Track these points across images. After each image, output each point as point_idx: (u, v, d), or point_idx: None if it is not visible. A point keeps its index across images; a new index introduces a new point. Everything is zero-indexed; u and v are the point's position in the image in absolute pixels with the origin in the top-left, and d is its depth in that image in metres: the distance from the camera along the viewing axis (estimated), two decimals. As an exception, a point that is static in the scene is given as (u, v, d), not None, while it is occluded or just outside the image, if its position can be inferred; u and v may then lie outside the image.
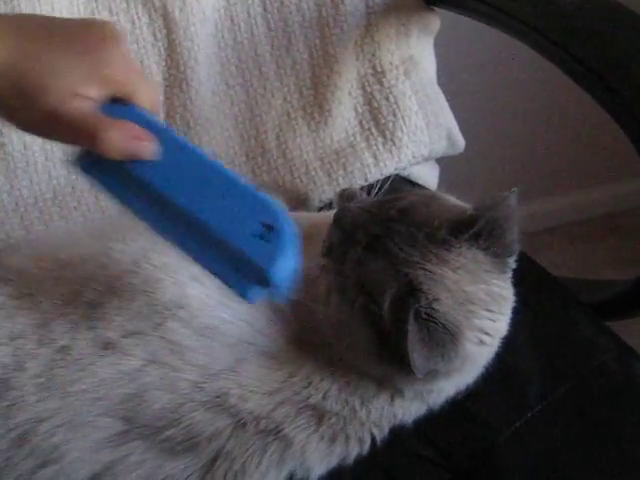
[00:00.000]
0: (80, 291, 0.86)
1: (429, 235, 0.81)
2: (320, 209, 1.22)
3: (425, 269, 0.79)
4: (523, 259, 0.89)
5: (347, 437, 0.87)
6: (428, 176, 1.38)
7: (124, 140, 0.73)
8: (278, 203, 0.74)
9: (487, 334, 0.83)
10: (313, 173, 1.24)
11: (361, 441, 0.88)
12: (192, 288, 0.88)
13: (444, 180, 1.43)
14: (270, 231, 0.71)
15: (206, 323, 0.86)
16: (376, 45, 1.27)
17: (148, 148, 0.74)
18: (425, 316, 0.77)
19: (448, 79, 1.38)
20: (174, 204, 0.74)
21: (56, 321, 0.84)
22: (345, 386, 0.86)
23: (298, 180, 1.24)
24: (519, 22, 1.10)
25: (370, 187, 1.17)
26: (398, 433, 0.90)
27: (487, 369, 0.88)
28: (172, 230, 0.75)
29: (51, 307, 0.85)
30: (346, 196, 1.15)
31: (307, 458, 0.86)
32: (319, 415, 0.86)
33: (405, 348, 0.75)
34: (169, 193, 0.74)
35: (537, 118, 2.02)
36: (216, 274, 0.74)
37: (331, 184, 1.23)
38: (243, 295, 0.73)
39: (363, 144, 1.26)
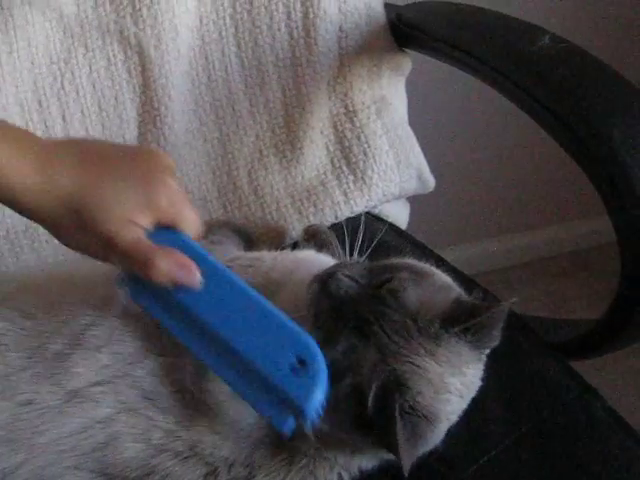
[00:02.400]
0: (45, 343, 0.85)
1: (421, 328, 0.81)
2: (292, 246, 1.22)
3: (413, 363, 0.79)
4: (489, 299, 0.90)
5: (315, 478, 0.87)
6: (399, 214, 1.40)
7: (171, 268, 0.77)
8: (310, 338, 0.77)
9: (455, 414, 0.85)
10: (284, 210, 1.25)
11: None
12: None
13: (415, 218, 1.45)
14: (304, 366, 0.74)
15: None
16: (348, 85, 1.29)
17: (193, 277, 0.77)
18: (409, 410, 0.78)
19: (419, 119, 1.40)
20: (214, 331, 0.77)
21: (19, 374, 0.83)
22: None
23: (269, 217, 1.25)
24: (488, 67, 1.12)
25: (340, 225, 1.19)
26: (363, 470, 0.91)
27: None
28: (211, 356, 0.78)
29: (16, 360, 0.84)
30: (311, 232, 1.16)
31: None
32: (291, 456, 0.86)
33: (389, 437, 0.76)
34: (209, 320, 0.78)
35: (508, 157, 2.05)
36: (252, 404, 0.78)
37: (302, 221, 1.24)
38: (279, 427, 0.76)
39: (334, 182, 1.28)
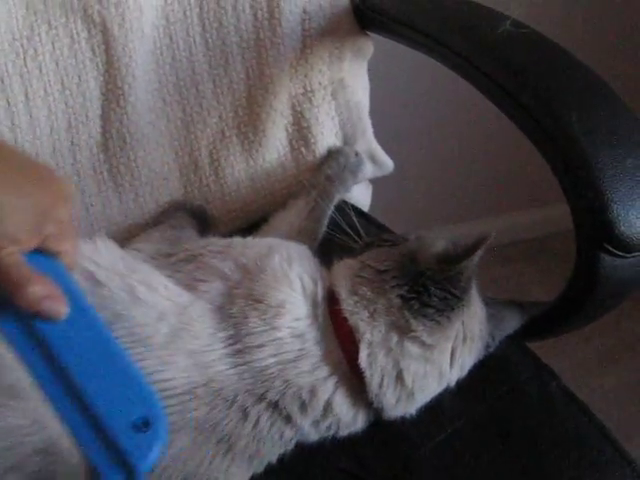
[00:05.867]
0: None
1: None
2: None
3: None
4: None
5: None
6: (360, 196, 1.41)
7: (41, 297, 0.73)
8: (158, 400, 0.75)
9: None
10: (243, 192, 1.26)
11: None
12: None
13: (378, 200, 1.46)
14: (146, 426, 0.72)
15: None
16: (309, 67, 1.29)
17: (58, 310, 0.75)
18: None
19: (382, 103, 1.41)
20: (65, 368, 0.74)
21: None
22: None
23: (228, 198, 1.26)
24: (449, 51, 1.13)
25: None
26: (321, 445, 0.93)
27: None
28: (56, 392, 0.74)
29: None
30: None
31: None
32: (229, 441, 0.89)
33: None
34: (63, 355, 0.74)
35: (468, 143, 2.07)
36: (85, 451, 0.73)
37: (260, 203, 1.26)
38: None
39: (292, 164, 1.29)
